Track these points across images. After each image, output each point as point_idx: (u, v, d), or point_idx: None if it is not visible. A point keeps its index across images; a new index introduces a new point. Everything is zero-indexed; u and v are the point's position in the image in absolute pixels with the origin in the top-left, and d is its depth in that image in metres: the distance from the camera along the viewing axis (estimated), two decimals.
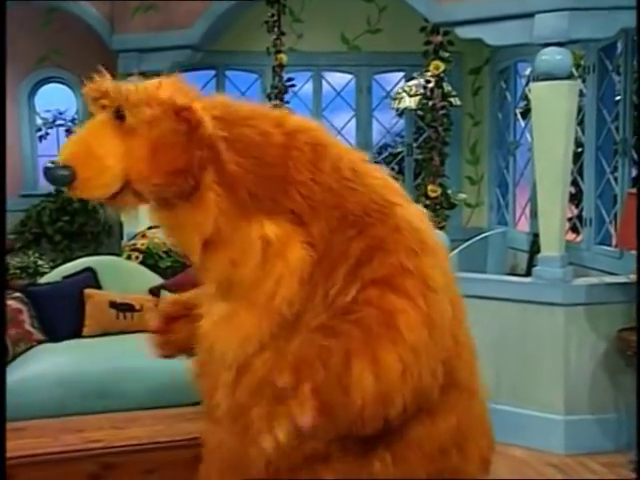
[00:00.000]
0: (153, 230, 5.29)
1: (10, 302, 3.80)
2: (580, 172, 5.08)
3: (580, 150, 4.95)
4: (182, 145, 1.52)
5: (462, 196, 5.88)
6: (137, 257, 4.81)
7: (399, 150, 7.63)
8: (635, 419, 3.46)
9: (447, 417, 1.68)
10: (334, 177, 1.61)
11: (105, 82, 1.63)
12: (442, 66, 4.45)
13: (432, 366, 1.52)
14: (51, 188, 7.18)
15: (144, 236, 5.07)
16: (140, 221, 5.64)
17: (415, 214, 1.68)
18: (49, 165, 1.59)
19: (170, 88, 1.65)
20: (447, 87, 4.79)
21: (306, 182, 1.58)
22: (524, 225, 5.91)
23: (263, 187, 1.58)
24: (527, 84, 5.79)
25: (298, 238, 1.58)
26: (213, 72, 6.53)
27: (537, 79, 3.95)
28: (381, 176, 1.70)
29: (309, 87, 6.65)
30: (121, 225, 6.50)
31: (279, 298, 1.57)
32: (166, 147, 1.53)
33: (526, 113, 5.92)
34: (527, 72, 5.89)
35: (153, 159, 1.53)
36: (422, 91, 4.95)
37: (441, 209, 4.59)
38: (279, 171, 1.58)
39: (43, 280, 4.34)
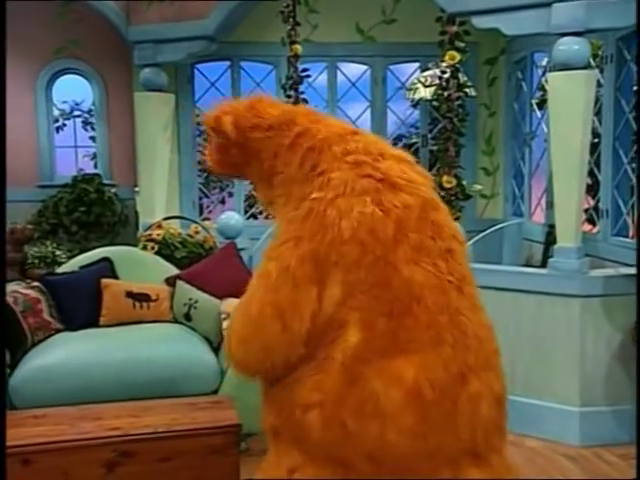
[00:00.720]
0: (168, 221, 5.33)
1: (29, 291, 3.84)
2: (597, 163, 5.04)
3: (597, 141, 4.92)
4: (222, 147, 2.38)
5: (477, 187, 5.86)
6: (153, 247, 4.84)
7: (414, 141, 7.61)
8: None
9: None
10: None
11: (205, 115, 2.45)
12: (458, 56, 4.43)
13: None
14: (68, 179, 7.24)
15: (160, 227, 5.10)
16: (156, 212, 5.73)
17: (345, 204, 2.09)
18: None
19: (229, 117, 2.30)
20: (462, 77, 4.77)
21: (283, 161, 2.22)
22: (540, 216, 5.88)
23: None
24: (544, 74, 5.75)
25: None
26: (228, 63, 6.53)
27: (554, 69, 3.93)
28: None
29: (324, 78, 6.64)
30: (137, 216, 6.54)
31: None
32: (219, 153, 2.43)
33: (542, 104, 5.89)
34: (544, 62, 5.84)
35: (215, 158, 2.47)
36: (437, 82, 4.93)
37: (456, 200, 4.58)
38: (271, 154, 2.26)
39: (61, 270, 4.37)
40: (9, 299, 3.66)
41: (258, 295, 2.06)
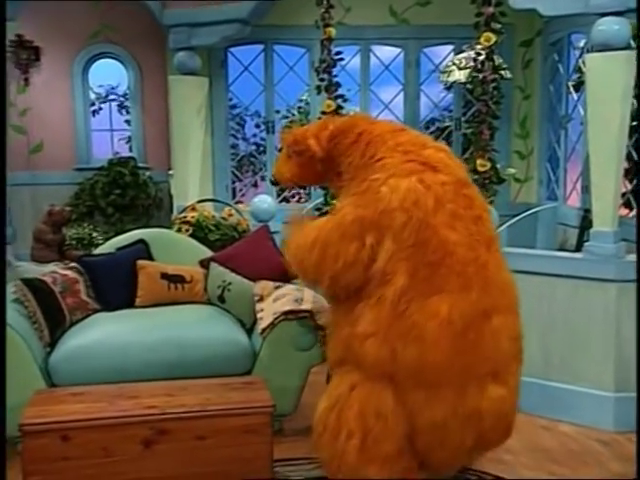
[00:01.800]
0: (202, 204, 5.37)
1: (67, 272, 3.91)
2: (635, 146, 4.96)
3: (635, 123, 4.83)
4: (307, 164, 3.09)
5: (511, 171, 5.80)
6: (187, 230, 4.89)
7: (447, 124, 7.56)
8: None
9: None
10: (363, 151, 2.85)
11: (286, 134, 3.21)
12: (493, 38, 4.37)
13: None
14: (104, 162, 7.34)
15: (194, 209, 5.14)
16: (189, 195, 5.78)
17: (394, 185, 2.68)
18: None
19: (311, 134, 3.02)
20: (498, 60, 4.71)
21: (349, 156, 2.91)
22: (574, 200, 5.81)
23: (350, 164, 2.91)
24: (581, 56, 5.66)
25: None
26: (261, 46, 6.54)
27: (592, 50, 3.86)
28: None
29: (357, 61, 6.61)
30: (170, 198, 6.61)
31: None
32: (302, 166, 3.12)
33: (579, 86, 5.79)
34: (581, 44, 5.75)
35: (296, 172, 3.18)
36: (472, 64, 4.88)
37: (490, 184, 4.54)
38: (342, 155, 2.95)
39: (97, 251, 4.43)
40: (48, 279, 3.73)
41: (314, 233, 2.76)
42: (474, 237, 2.60)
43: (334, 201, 5.63)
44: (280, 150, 3.35)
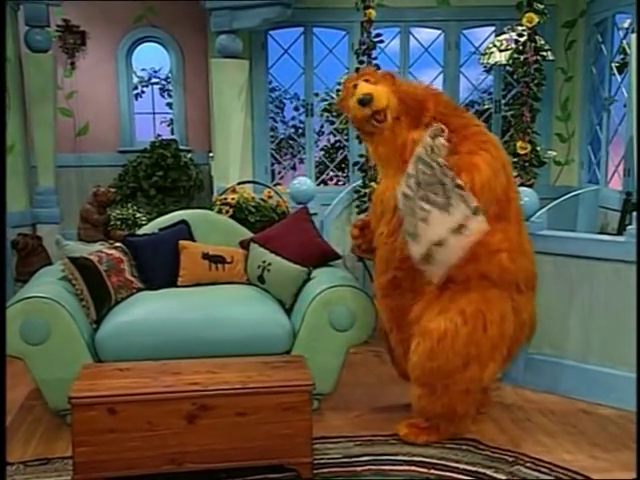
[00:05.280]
0: (242, 185, 5.44)
1: (112, 251, 4.01)
2: None
3: None
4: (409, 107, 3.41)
5: (552, 153, 5.74)
6: (227, 211, 4.96)
7: (486, 107, 7.48)
8: None
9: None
10: (445, 110, 3.41)
11: (397, 82, 3.54)
12: (536, 19, 4.33)
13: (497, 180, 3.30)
14: (146, 144, 7.46)
15: (234, 191, 5.21)
16: (230, 177, 5.85)
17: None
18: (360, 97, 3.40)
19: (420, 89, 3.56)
20: (540, 41, 4.66)
21: (432, 110, 3.36)
22: (616, 183, 5.73)
23: (415, 113, 3.38)
24: (625, 36, 5.56)
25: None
26: (301, 29, 6.56)
27: (637, 30, 3.80)
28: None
29: (396, 43, 6.58)
30: (211, 181, 6.70)
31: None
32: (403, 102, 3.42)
33: (623, 67, 5.69)
34: (626, 24, 5.64)
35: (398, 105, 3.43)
36: (513, 45, 4.83)
37: (530, 166, 4.52)
38: (421, 106, 3.39)
39: (141, 231, 4.52)
40: (94, 258, 3.84)
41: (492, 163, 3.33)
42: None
43: (372, 183, 5.66)
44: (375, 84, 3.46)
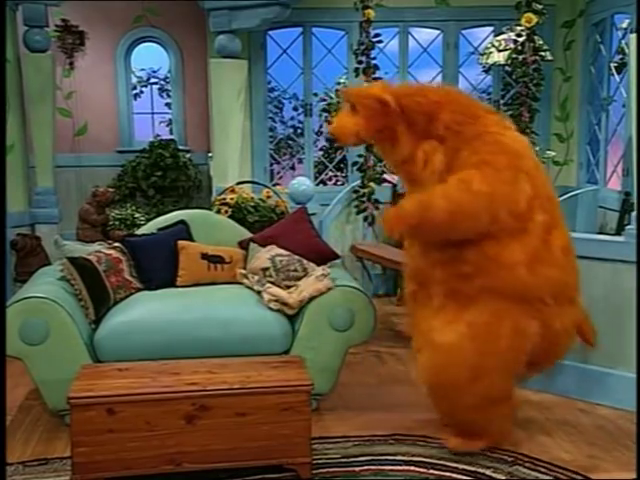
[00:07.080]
0: (241, 185, 5.44)
1: (111, 251, 4.01)
2: None
3: None
4: (380, 115, 3.15)
5: (550, 153, 5.76)
6: (226, 211, 4.96)
7: None
8: None
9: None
10: (461, 118, 3.12)
11: (349, 90, 3.40)
12: (535, 19, 4.34)
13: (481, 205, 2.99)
14: (145, 144, 7.46)
15: (233, 191, 5.21)
16: (229, 177, 5.85)
17: (510, 137, 3.19)
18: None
19: (376, 88, 3.23)
20: (539, 41, 4.67)
21: (446, 120, 3.11)
22: (615, 183, 5.74)
23: (423, 124, 3.14)
24: (624, 37, 5.57)
25: (439, 149, 3.13)
26: (300, 29, 6.56)
27: (636, 31, 3.80)
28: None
29: (395, 43, 6.59)
30: (210, 180, 6.70)
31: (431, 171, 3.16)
32: (374, 117, 3.18)
33: (621, 67, 5.71)
34: (624, 24, 5.65)
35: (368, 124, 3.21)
36: (512, 46, 4.84)
37: None
38: (431, 115, 3.13)
39: (140, 231, 4.51)
40: (93, 258, 3.83)
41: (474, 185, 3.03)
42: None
43: (371, 183, 5.66)
44: (336, 111, 3.48)
